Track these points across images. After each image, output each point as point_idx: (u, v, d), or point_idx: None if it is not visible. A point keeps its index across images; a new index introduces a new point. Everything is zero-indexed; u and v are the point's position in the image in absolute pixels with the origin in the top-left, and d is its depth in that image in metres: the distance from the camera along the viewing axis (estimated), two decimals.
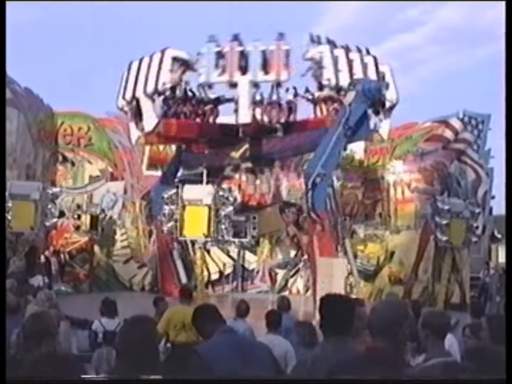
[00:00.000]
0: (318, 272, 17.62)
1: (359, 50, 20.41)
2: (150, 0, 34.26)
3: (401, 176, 24.30)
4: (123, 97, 21.08)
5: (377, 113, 19.62)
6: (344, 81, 19.38)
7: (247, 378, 3.27)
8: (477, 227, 21.63)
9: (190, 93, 21.10)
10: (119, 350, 3.87)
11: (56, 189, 20.79)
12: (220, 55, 20.33)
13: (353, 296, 17.24)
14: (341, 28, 21.17)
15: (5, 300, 7.13)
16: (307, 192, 17.93)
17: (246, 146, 22.37)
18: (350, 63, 19.79)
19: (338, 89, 19.64)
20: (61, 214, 21.83)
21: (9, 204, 19.10)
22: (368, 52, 20.52)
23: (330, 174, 18.50)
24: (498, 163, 26.39)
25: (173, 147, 24.07)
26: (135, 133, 21.71)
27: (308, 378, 4.25)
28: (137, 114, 21.04)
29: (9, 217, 18.97)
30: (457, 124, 24.82)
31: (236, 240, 22.80)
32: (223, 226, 19.85)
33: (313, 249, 18.67)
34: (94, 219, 23.45)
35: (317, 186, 17.46)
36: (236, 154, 22.98)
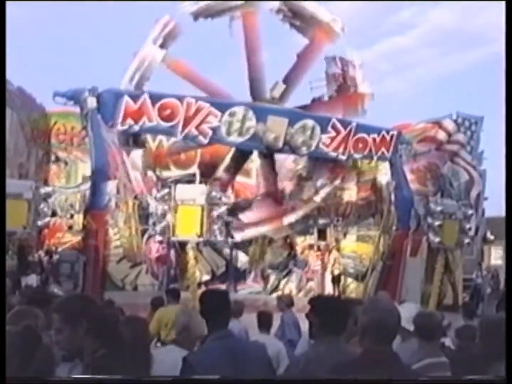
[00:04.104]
0: None
1: None
2: (142, 0, 34.09)
3: None
4: None
5: None
6: None
7: (246, 379, 3.27)
8: (469, 229, 21.64)
9: None
10: (111, 350, 3.84)
11: (49, 188, 20.70)
12: None
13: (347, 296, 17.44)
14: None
15: (5, 300, 7.07)
16: None
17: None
18: None
19: None
20: (54, 213, 21.74)
21: None
22: None
23: None
24: (491, 165, 26.49)
25: (165, 147, 24.06)
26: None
27: (304, 378, 4.24)
28: None
29: None
30: (450, 125, 24.88)
31: (228, 240, 22.84)
32: (215, 226, 19.82)
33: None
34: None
35: None
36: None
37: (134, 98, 18.94)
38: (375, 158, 22.11)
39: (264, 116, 20.10)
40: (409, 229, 21.52)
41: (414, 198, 22.54)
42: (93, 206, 18.61)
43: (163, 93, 19.85)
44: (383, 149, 21.62)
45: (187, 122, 19.42)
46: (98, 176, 18.50)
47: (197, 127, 19.58)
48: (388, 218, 22.24)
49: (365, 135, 21.38)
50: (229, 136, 20.01)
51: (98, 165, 18.53)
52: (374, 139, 21.49)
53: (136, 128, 19.46)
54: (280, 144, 20.27)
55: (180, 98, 19.54)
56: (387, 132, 21.75)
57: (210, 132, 19.73)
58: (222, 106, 20.07)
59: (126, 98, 18.81)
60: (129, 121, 18.93)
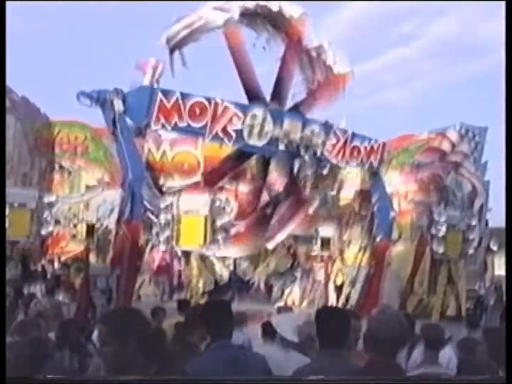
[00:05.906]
0: None
1: None
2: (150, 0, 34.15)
3: (397, 187, 24.28)
4: None
5: None
6: None
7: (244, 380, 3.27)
8: (473, 239, 21.65)
9: None
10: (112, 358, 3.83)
11: (52, 198, 20.75)
12: None
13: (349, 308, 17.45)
14: (336, 41, 21.51)
15: (5, 301, 7.07)
16: None
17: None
18: None
19: None
20: (57, 222, 21.76)
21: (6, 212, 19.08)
22: None
23: None
24: (494, 176, 26.46)
25: (169, 157, 24.03)
26: None
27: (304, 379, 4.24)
28: None
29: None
30: (454, 136, 24.85)
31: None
32: (219, 237, 19.81)
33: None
34: (90, 228, 23.33)
35: None
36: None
37: (167, 96, 18.15)
38: (366, 166, 22.33)
39: (280, 120, 20.14)
40: (390, 240, 22.23)
41: (418, 208, 22.60)
42: (130, 216, 17.42)
43: (191, 93, 19.19)
44: (371, 159, 22.03)
45: (213, 123, 18.86)
46: (136, 184, 17.39)
47: (222, 129, 19.09)
48: (370, 228, 22.61)
49: (358, 144, 21.75)
50: (250, 139, 19.71)
51: (134, 171, 17.44)
52: (365, 148, 21.90)
53: (169, 128, 18.60)
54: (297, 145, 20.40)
55: (208, 98, 19.06)
56: (375, 141, 22.17)
57: (234, 135, 19.30)
58: (244, 108, 19.79)
59: (160, 96, 17.94)
60: (162, 120, 18.06)
